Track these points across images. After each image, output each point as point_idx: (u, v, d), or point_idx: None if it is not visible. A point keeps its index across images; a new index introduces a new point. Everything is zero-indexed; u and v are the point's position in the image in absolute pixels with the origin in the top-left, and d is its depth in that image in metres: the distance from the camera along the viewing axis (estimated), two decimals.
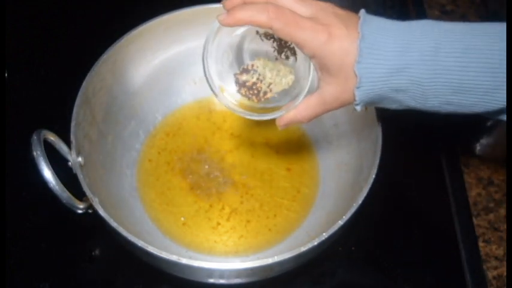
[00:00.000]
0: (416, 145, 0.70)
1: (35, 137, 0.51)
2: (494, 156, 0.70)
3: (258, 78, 0.52)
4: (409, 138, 0.69)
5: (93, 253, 0.62)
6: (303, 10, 0.46)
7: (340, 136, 0.68)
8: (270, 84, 0.52)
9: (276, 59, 0.52)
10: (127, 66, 0.67)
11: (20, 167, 0.55)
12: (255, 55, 0.52)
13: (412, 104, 0.45)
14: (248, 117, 0.52)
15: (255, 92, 0.52)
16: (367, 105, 0.47)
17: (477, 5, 0.85)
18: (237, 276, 0.54)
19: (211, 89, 0.52)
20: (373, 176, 0.54)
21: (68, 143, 0.56)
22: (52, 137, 0.54)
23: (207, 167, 0.68)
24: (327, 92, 0.47)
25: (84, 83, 0.60)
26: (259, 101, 0.52)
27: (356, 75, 0.44)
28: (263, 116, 0.51)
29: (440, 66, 0.42)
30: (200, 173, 0.67)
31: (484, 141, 0.70)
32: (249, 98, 0.52)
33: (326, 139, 0.70)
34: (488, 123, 0.69)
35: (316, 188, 0.67)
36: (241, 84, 0.52)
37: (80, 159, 0.55)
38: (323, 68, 0.46)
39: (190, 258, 0.50)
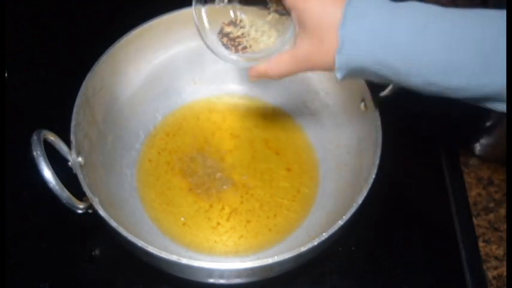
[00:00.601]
0: (416, 145, 0.70)
1: (35, 137, 0.51)
2: (494, 156, 0.70)
3: (242, 33, 0.52)
4: (409, 138, 0.69)
5: (93, 253, 0.62)
6: None
7: (340, 136, 0.68)
8: (252, 40, 0.52)
9: (269, 13, 0.52)
10: (127, 66, 0.67)
11: (20, 167, 0.55)
12: (249, 10, 0.53)
13: (394, 79, 0.44)
14: (224, 60, 0.52)
15: (235, 44, 0.52)
16: (347, 75, 0.46)
17: (477, 5, 0.85)
18: (237, 276, 0.54)
19: (196, 25, 0.52)
20: (373, 176, 0.54)
21: (68, 143, 0.56)
22: (52, 137, 0.54)
23: (207, 167, 0.68)
24: (300, 49, 0.46)
25: (84, 83, 0.60)
26: (236, 51, 0.52)
27: (338, 39, 0.42)
28: (237, 63, 0.52)
29: (427, 43, 0.41)
30: (200, 173, 0.67)
31: (484, 141, 0.70)
32: (226, 48, 0.53)
33: (326, 139, 0.70)
34: (488, 123, 0.69)
35: (316, 188, 0.67)
36: (224, 34, 0.53)
37: (80, 159, 0.55)
38: (300, 23, 0.45)
39: (190, 258, 0.50)
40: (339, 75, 0.45)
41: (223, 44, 0.53)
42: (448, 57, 0.41)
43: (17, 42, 0.78)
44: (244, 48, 0.52)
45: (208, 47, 0.53)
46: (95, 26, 0.79)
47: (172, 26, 0.68)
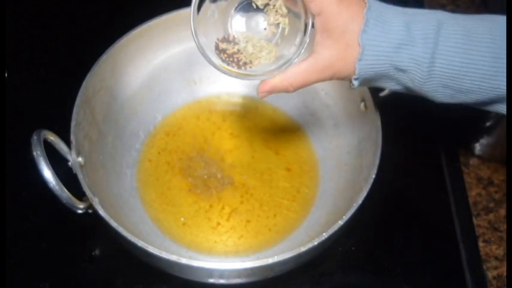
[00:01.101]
0: (416, 145, 0.70)
1: (35, 137, 0.51)
2: (494, 156, 0.70)
3: (238, 49, 0.49)
4: (409, 138, 0.69)
5: (93, 253, 0.62)
6: None
7: (340, 136, 0.68)
8: (251, 56, 0.49)
9: (265, 28, 0.50)
10: (127, 66, 0.67)
11: (20, 167, 0.55)
12: (242, 25, 0.50)
13: (409, 85, 0.44)
14: (232, 76, 0.50)
15: (235, 60, 0.49)
16: (364, 82, 0.45)
17: (477, 5, 0.85)
18: (237, 276, 0.54)
19: (196, 45, 0.49)
20: (373, 176, 0.54)
21: (68, 143, 0.56)
22: (52, 137, 0.54)
23: (207, 167, 0.68)
24: (322, 56, 0.44)
25: (84, 83, 0.60)
26: (239, 68, 0.49)
27: (359, 45, 0.42)
28: (246, 78, 0.49)
29: (441, 46, 0.42)
30: (200, 173, 0.67)
31: (484, 141, 0.70)
32: (228, 64, 0.49)
33: (326, 139, 0.70)
34: (488, 123, 0.69)
35: (316, 188, 0.67)
36: (220, 50, 0.49)
37: (80, 159, 0.55)
38: (325, 29, 0.43)
39: (190, 258, 0.50)
40: (356, 83, 0.45)
41: (223, 61, 0.49)
42: (461, 60, 0.42)
43: (17, 42, 0.78)
44: (245, 64, 0.49)
45: (214, 65, 0.50)
46: (95, 26, 0.79)
47: (172, 26, 0.68)
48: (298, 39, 0.48)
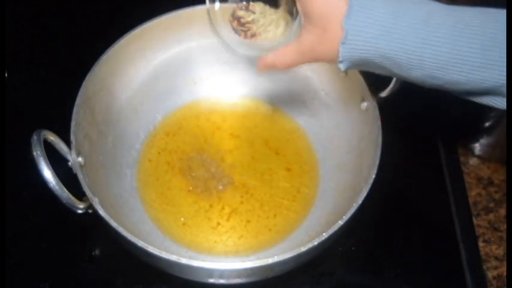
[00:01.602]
0: (416, 145, 0.70)
1: (35, 137, 0.51)
2: (494, 156, 0.70)
3: (252, 19, 0.53)
4: (409, 138, 0.69)
5: (93, 253, 0.62)
6: None
7: (340, 136, 0.68)
8: (260, 28, 0.53)
9: (280, 5, 0.53)
10: (127, 66, 0.67)
11: (20, 167, 0.55)
12: None
13: (396, 72, 0.44)
14: (234, 48, 0.53)
15: (245, 29, 0.53)
16: (351, 66, 0.46)
17: (477, 5, 0.85)
18: (237, 276, 0.54)
19: (208, 13, 0.54)
20: (373, 176, 0.54)
21: (68, 143, 0.56)
22: (52, 137, 0.54)
23: (207, 167, 0.68)
24: (304, 39, 0.46)
25: (84, 83, 0.60)
26: (245, 37, 0.53)
27: (342, 30, 0.43)
28: (246, 51, 0.53)
29: (429, 36, 0.41)
30: (200, 173, 0.67)
31: (484, 141, 0.70)
32: (236, 32, 0.54)
33: (326, 139, 0.70)
34: (488, 123, 0.69)
35: (316, 188, 0.67)
36: (235, 17, 0.53)
37: (80, 159, 0.55)
38: (304, 13, 0.45)
39: (190, 258, 0.50)
40: (342, 66, 0.46)
41: (233, 29, 0.53)
42: (450, 50, 0.41)
43: (17, 42, 0.78)
44: (253, 35, 0.53)
45: (218, 34, 0.54)
46: (95, 26, 0.79)
47: (172, 26, 0.68)
48: (297, 21, 0.50)
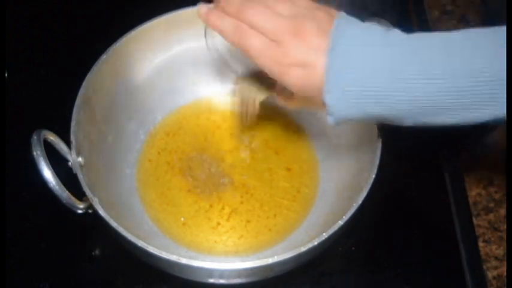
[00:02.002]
0: (416, 145, 0.70)
1: (35, 137, 0.51)
2: (494, 156, 0.70)
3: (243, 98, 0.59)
4: (409, 138, 0.69)
5: (93, 253, 0.62)
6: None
7: (340, 136, 0.68)
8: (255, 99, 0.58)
9: None
10: (127, 66, 0.67)
11: (20, 167, 0.55)
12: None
13: (389, 122, 0.45)
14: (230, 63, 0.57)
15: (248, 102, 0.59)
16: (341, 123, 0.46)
17: (477, 5, 0.85)
18: (237, 276, 0.54)
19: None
20: (373, 176, 0.54)
21: (68, 143, 0.56)
22: (52, 137, 0.54)
23: (207, 167, 0.68)
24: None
25: (84, 83, 0.60)
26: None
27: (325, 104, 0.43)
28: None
29: (404, 91, 0.41)
30: (200, 172, 0.67)
31: (484, 141, 0.70)
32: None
33: (326, 139, 0.70)
34: (488, 123, 0.69)
35: (316, 188, 0.67)
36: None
37: (80, 159, 0.55)
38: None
39: (190, 258, 0.50)
40: (332, 123, 0.46)
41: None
42: (428, 101, 0.41)
43: (17, 42, 0.78)
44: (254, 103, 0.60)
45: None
46: (95, 26, 0.79)
47: (172, 26, 0.68)
48: None
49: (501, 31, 0.40)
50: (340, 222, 0.52)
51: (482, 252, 0.63)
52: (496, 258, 0.63)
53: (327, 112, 0.44)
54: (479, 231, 0.65)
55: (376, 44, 0.42)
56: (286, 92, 0.52)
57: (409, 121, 0.44)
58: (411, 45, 0.41)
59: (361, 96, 0.42)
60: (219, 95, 0.74)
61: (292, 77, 0.44)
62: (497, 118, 0.41)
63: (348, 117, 0.44)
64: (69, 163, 0.55)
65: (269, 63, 0.44)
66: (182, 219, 0.64)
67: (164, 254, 0.50)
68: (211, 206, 0.65)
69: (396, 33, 0.42)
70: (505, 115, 0.40)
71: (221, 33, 0.47)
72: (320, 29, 0.42)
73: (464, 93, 0.40)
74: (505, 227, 0.65)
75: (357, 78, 0.41)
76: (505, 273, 0.62)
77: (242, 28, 0.45)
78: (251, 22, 0.44)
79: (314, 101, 0.45)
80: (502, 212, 0.66)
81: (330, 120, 0.45)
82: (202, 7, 0.47)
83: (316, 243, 0.50)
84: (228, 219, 0.64)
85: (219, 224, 0.64)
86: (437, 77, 0.40)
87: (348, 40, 0.42)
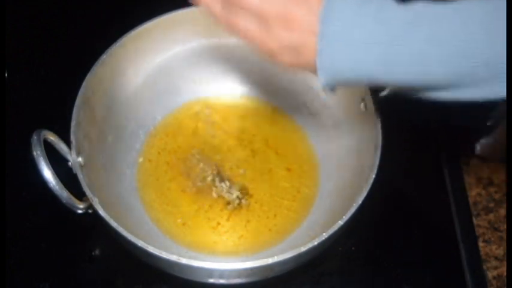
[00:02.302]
0: (416, 145, 0.70)
1: (35, 137, 0.51)
2: (494, 156, 0.70)
3: None
4: (409, 138, 0.69)
5: (93, 253, 0.62)
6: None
7: (340, 136, 0.68)
8: None
9: None
10: (127, 66, 0.67)
11: (20, 167, 0.55)
12: None
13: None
14: None
15: None
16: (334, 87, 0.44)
17: None
18: (237, 276, 0.54)
19: None
20: (373, 176, 0.54)
21: (68, 143, 0.56)
22: (52, 137, 0.54)
23: (206, 167, 0.68)
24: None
25: (84, 83, 0.60)
26: None
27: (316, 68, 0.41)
28: None
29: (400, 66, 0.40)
30: (200, 173, 0.67)
31: (484, 141, 0.70)
32: None
33: (326, 139, 0.70)
34: (488, 123, 0.69)
35: (316, 188, 0.66)
36: None
37: (80, 159, 0.55)
38: None
39: (190, 258, 0.50)
40: (325, 87, 0.44)
41: None
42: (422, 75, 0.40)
43: (17, 42, 0.78)
44: None
45: None
46: (95, 26, 0.79)
47: (172, 26, 0.68)
48: None
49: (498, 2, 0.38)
50: (340, 222, 0.52)
51: (482, 252, 0.63)
52: (496, 258, 0.63)
53: (318, 76, 0.42)
54: (479, 231, 0.65)
55: (369, 23, 0.39)
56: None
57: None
58: (407, 23, 0.39)
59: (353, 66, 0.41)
60: (219, 95, 0.74)
61: (283, 59, 0.43)
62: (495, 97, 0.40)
63: (341, 79, 0.42)
64: (69, 163, 0.55)
65: (258, 45, 0.44)
66: (179, 220, 0.64)
67: (164, 254, 0.50)
68: (211, 206, 0.65)
69: (391, 8, 0.40)
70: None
71: (210, 11, 0.45)
72: (310, 10, 0.41)
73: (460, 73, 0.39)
74: (505, 227, 0.65)
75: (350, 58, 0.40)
76: (505, 273, 0.62)
77: (232, 7, 0.43)
78: (240, 2, 0.43)
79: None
80: (502, 212, 0.66)
81: (323, 82, 0.43)
82: None
83: (316, 243, 0.50)
84: (228, 219, 0.64)
85: (219, 224, 0.64)
86: (434, 59, 0.39)
87: (338, 21, 0.40)
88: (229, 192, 0.66)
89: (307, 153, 0.70)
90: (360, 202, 0.53)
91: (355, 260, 0.63)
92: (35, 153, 0.50)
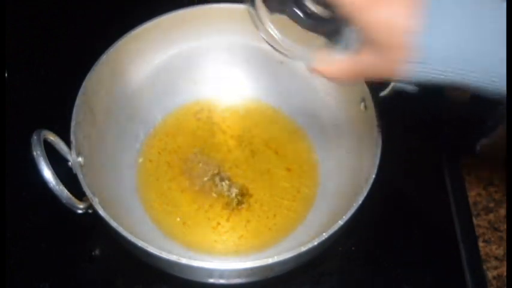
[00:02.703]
0: (416, 145, 0.70)
1: (35, 137, 0.51)
2: (494, 156, 0.70)
3: None
4: (409, 138, 0.69)
5: (93, 253, 0.62)
6: None
7: (340, 136, 0.68)
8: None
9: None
10: (127, 66, 0.67)
11: (20, 167, 0.55)
12: None
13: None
14: (284, 53, 0.48)
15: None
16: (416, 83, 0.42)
17: None
18: (237, 276, 0.54)
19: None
20: (373, 176, 0.54)
21: (68, 143, 0.56)
22: (52, 137, 0.54)
23: (206, 167, 0.68)
24: (363, 57, 0.41)
25: (84, 83, 0.60)
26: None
27: (416, 46, 0.38)
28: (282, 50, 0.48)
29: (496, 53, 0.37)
30: (200, 173, 0.67)
31: (484, 141, 0.70)
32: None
33: (326, 139, 0.70)
34: (488, 123, 0.69)
35: (316, 188, 0.66)
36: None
37: (80, 159, 0.55)
38: (366, 38, 0.40)
39: (190, 258, 0.50)
40: (410, 87, 0.43)
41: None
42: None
43: (17, 42, 0.78)
44: None
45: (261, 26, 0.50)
46: (95, 26, 0.79)
47: (172, 26, 0.68)
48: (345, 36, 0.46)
49: None
50: (340, 222, 0.52)
51: (482, 252, 0.63)
52: (496, 258, 0.63)
53: (414, 63, 0.39)
54: (479, 231, 0.65)
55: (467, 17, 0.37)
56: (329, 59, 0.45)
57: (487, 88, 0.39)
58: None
59: (451, 51, 0.38)
60: (219, 95, 0.74)
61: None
62: None
63: (436, 73, 0.39)
64: (69, 163, 0.55)
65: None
66: (178, 219, 0.64)
67: (164, 254, 0.50)
68: (211, 205, 0.65)
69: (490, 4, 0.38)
70: None
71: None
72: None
73: None
74: (505, 227, 0.65)
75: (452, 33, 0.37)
76: (505, 273, 0.62)
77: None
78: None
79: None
80: (502, 212, 0.66)
81: (413, 74, 0.39)
82: None
83: (316, 243, 0.50)
84: (228, 219, 0.64)
85: (219, 224, 0.64)
86: None
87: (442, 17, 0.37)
88: (229, 192, 0.66)
89: (307, 153, 0.70)
90: (360, 202, 0.53)
91: (355, 260, 0.63)
92: (35, 153, 0.50)
